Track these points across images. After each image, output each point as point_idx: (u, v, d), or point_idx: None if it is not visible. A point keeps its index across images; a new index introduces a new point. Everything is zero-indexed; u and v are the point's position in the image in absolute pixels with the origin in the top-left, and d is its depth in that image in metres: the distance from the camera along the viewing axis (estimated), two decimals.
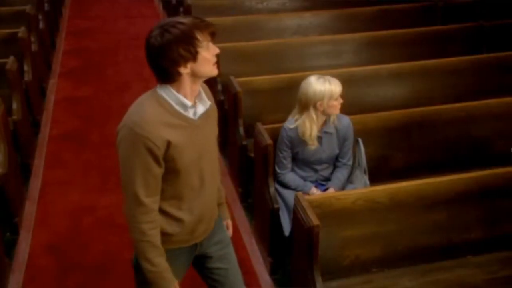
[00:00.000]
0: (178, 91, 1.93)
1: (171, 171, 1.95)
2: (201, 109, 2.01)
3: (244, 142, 3.74)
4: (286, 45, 4.67)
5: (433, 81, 4.19)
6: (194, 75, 1.91)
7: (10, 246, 3.46)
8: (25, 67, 4.77)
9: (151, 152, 1.87)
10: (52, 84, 5.75)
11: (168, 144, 1.89)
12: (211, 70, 1.92)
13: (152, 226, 1.97)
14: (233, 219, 3.33)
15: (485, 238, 2.87)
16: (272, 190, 3.14)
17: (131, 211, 1.95)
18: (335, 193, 2.75)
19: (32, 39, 5.31)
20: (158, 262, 2.00)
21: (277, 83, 3.98)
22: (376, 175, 3.27)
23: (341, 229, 2.70)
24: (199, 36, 1.85)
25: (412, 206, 2.75)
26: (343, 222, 2.70)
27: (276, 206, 3.12)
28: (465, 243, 2.85)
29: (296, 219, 2.63)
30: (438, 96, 4.09)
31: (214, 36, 1.90)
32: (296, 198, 2.63)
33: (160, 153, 1.89)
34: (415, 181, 2.80)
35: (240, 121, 3.75)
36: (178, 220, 2.04)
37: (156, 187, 1.95)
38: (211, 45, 1.89)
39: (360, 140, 3.20)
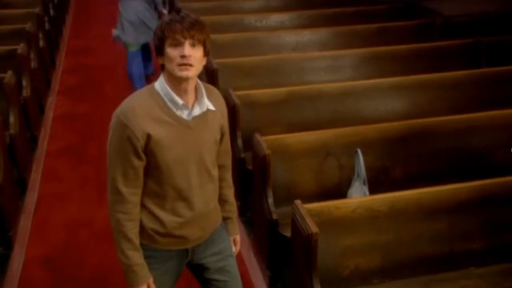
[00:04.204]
0: (168, 85, 1.94)
1: (152, 166, 1.95)
2: (196, 111, 1.99)
3: (243, 155, 3.71)
4: (285, 60, 4.67)
5: (433, 94, 4.17)
6: (167, 71, 1.93)
7: (3, 261, 3.40)
8: (24, 83, 4.77)
9: (130, 142, 1.89)
10: (51, 101, 5.75)
11: (148, 137, 1.90)
12: (174, 70, 1.89)
13: (128, 218, 1.97)
14: None
15: (488, 249, 2.82)
16: (270, 200, 3.10)
17: (110, 197, 1.99)
18: (334, 202, 2.69)
19: (32, 56, 5.32)
20: (130, 256, 2.00)
21: (275, 96, 3.96)
22: (376, 186, 3.21)
23: (340, 238, 2.65)
24: (167, 33, 1.87)
25: (412, 215, 2.71)
26: (342, 231, 2.65)
27: (275, 218, 3.07)
28: (467, 253, 2.80)
29: (295, 227, 2.58)
30: (438, 110, 4.06)
31: (192, 40, 1.87)
32: (295, 206, 2.59)
33: (139, 145, 1.90)
34: (415, 189, 2.76)
35: (239, 133, 3.72)
36: (158, 219, 2.02)
37: (135, 180, 1.95)
38: (180, 46, 1.87)
39: (359, 151, 3.16)
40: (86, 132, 5.07)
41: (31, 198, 4.06)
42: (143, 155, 1.93)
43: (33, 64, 5.30)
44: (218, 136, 2.09)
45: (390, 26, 5.51)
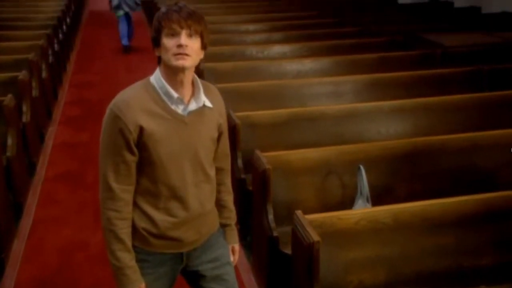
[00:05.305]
0: (164, 77, 1.90)
1: (145, 162, 1.89)
2: (192, 106, 1.94)
3: (243, 176, 3.63)
4: (285, 87, 4.65)
5: (435, 118, 4.12)
6: (163, 62, 1.89)
7: None
8: (24, 108, 4.75)
9: (123, 135, 1.84)
10: (51, 131, 5.73)
11: (141, 130, 1.84)
12: (170, 59, 1.85)
13: (119, 216, 1.89)
14: None
15: (497, 265, 2.70)
16: (271, 217, 3.00)
17: (101, 194, 1.92)
18: (337, 213, 2.60)
19: (33, 84, 5.33)
20: (121, 257, 1.91)
21: (276, 118, 3.92)
22: (379, 205, 3.10)
23: (343, 251, 2.55)
24: (164, 23, 1.84)
25: (417, 227, 2.61)
26: (345, 244, 2.55)
27: (275, 234, 2.97)
28: (476, 269, 2.68)
29: (296, 239, 2.48)
30: (440, 133, 3.98)
31: (189, 30, 1.83)
32: (296, 217, 2.50)
33: (131, 137, 1.84)
34: (420, 201, 2.67)
35: (239, 153, 3.65)
36: (151, 219, 1.94)
37: (127, 176, 1.89)
38: (177, 36, 1.83)
39: (362, 167, 3.08)
40: (86, 159, 5.01)
41: (26, 222, 3.96)
42: (135, 149, 1.87)
43: (34, 93, 5.30)
44: (215, 134, 2.03)
45: (391, 56, 5.54)
